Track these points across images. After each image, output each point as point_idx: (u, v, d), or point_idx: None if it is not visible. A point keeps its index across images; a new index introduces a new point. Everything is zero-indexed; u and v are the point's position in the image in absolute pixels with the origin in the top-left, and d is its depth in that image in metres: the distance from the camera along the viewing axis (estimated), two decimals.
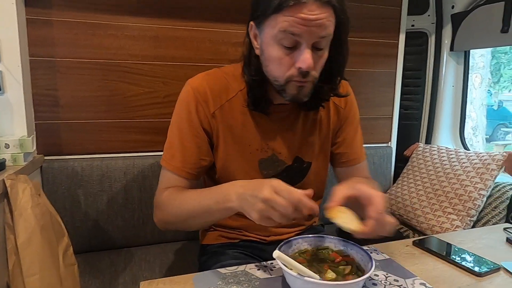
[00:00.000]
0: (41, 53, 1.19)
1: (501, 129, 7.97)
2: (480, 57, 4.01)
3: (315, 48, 0.72)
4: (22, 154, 1.06)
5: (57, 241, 0.95)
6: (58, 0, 1.18)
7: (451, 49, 1.70)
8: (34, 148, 1.16)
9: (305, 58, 0.70)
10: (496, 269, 0.74)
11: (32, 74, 1.18)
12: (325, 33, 0.70)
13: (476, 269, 0.73)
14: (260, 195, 0.61)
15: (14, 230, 0.85)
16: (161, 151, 1.32)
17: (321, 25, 0.68)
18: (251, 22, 0.77)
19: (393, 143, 1.75)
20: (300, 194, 0.61)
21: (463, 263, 0.76)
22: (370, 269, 0.60)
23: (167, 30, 1.31)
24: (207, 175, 0.97)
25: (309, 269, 0.61)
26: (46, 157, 1.23)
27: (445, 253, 0.80)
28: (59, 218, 1.02)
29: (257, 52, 0.78)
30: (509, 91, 8.63)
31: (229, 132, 0.86)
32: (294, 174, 0.93)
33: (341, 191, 0.65)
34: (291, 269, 0.59)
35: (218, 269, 0.72)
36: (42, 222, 0.89)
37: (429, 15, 1.73)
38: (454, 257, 0.79)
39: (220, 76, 0.87)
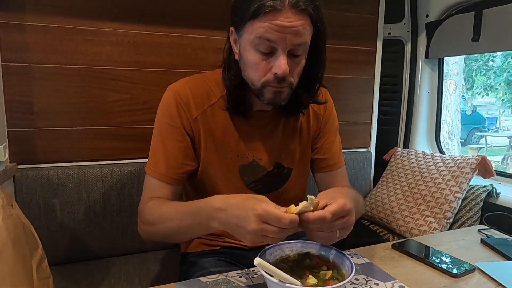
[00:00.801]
0: (14, 58, 1.15)
1: (475, 133, 8.29)
2: (454, 64, 4.17)
3: (291, 55, 0.73)
4: None
5: (30, 253, 0.91)
6: (32, 4, 1.15)
7: (426, 56, 1.76)
8: (6, 156, 1.11)
9: (281, 64, 0.71)
10: (472, 269, 0.77)
11: (4, 80, 1.14)
12: (301, 40, 0.71)
13: (453, 270, 0.75)
14: (248, 227, 0.59)
15: None
16: (140, 158, 1.32)
17: (297, 33, 0.69)
18: (231, 28, 0.78)
19: (373, 148, 1.78)
20: (289, 217, 0.58)
21: (440, 264, 0.78)
22: (351, 273, 0.61)
23: (147, 36, 1.29)
24: (186, 180, 0.96)
25: (291, 275, 0.61)
26: (19, 166, 1.19)
27: (423, 256, 0.82)
28: (33, 229, 0.97)
29: (236, 57, 0.79)
30: (482, 96, 8.99)
31: (211, 137, 0.86)
32: (274, 180, 0.94)
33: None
34: (272, 276, 0.58)
35: (199, 278, 0.72)
36: (14, 234, 0.85)
37: (404, 24, 1.78)
38: (431, 259, 0.81)
39: (201, 81, 0.87)
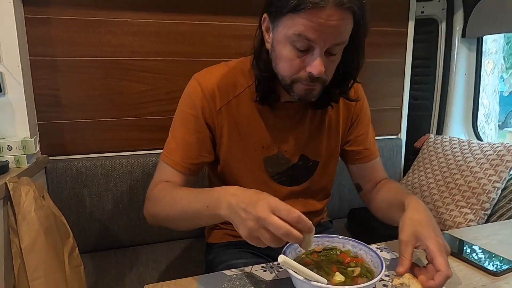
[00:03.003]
0: (41, 52, 1.17)
1: None
2: (492, 42, 3.90)
3: (328, 53, 0.70)
4: (25, 155, 1.05)
5: (62, 242, 0.95)
6: None
7: (463, 35, 1.63)
8: (38, 149, 1.15)
9: (317, 64, 0.68)
10: None
11: (33, 74, 1.17)
12: (340, 40, 0.68)
13: (491, 268, 0.71)
14: (254, 212, 0.55)
15: (18, 234, 0.84)
16: None
17: (338, 33, 0.66)
18: (265, 14, 0.74)
19: (403, 135, 1.71)
20: (298, 212, 0.55)
21: (478, 261, 0.73)
22: (381, 271, 0.58)
23: (169, 25, 1.28)
24: (211, 171, 0.96)
25: (317, 271, 0.60)
26: (50, 158, 1.23)
27: (458, 251, 0.78)
28: (64, 219, 1.01)
29: (268, 46, 0.76)
30: None
31: (235, 128, 0.84)
32: (299, 173, 0.92)
33: (408, 248, 0.63)
34: (297, 273, 0.56)
35: (223, 271, 0.71)
36: (46, 225, 0.89)
37: (439, 1, 1.66)
38: (468, 255, 0.76)
39: (227, 71, 0.85)
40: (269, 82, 0.79)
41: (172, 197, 0.74)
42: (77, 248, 1.00)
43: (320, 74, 0.69)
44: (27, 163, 1.05)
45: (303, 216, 0.55)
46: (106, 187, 1.24)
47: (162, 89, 1.31)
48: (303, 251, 0.69)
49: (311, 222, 0.57)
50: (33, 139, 1.08)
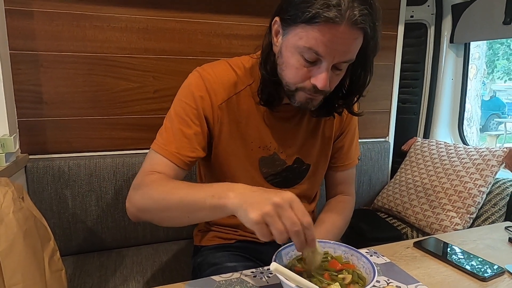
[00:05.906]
0: (22, 46, 1.12)
1: (494, 119, 8.03)
2: (475, 48, 4.00)
3: (334, 67, 0.70)
4: (4, 154, 1.00)
5: (42, 246, 0.91)
6: None
7: (451, 41, 1.66)
8: (17, 147, 1.10)
9: (322, 78, 0.69)
10: (501, 272, 0.72)
11: (13, 69, 1.12)
12: (348, 57, 0.69)
13: (481, 273, 0.71)
14: (274, 197, 0.55)
15: None
16: None
17: (348, 51, 0.67)
18: (277, 18, 0.73)
19: (391, 138, 1.72)
20: (311, 219, 0.57)
21: (467, 266, 0.74)
22: (372, 279, 0.58)
23: (157, 21, 1.24)
24: (204, 168, 0.95)
25: (309, 279, 0.59)
26: (30, 156, 1.18)
27: (448, 256, 0.78)
28: (45, 221, 0.96)
29: (275, 49, 0.75)
30: (505, 81, 8.66)
31: (234, 126, 0.84)
32: (293, 175, 0.92)
33: None
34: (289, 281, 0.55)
35: (211, 277, 0.70)
36: (26, 228, 0.85)
37: (428, 6, 1.68)
38: (456, 260, 0.77)
39: (229, 67, 0.84)
40: (275, 85, 0.78)
41: (169, 187, 0.70)
42: (58, 252, 0.96)
43: (324, 88, 0.70)
44: (6, 162, 1.00)
45: (313, 225, 0.57)
46: (89, 188, 1.20)
47: (150, 87, 1.28)
48: (294, 256, 0.68)
49: (315, 235, 0.58)
50: (12, 137, 1.03)
